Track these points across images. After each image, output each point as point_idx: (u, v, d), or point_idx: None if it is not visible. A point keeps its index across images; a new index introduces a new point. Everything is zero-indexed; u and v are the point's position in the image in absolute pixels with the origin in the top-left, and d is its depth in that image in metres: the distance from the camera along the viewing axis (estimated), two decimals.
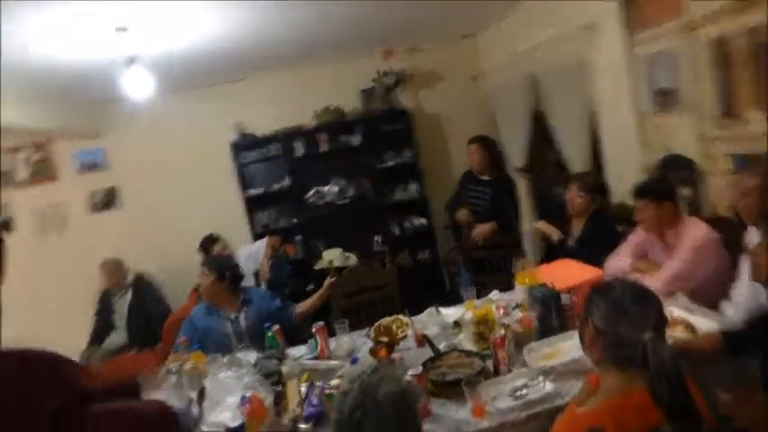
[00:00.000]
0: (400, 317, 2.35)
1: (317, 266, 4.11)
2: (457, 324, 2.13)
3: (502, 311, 1.99)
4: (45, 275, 4.34)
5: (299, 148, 4.40)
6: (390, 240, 4.54)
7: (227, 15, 2.71)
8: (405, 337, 2.14)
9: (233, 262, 2.66)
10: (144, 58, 2.75)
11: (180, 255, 3.83)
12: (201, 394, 1.67)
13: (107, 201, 4.46)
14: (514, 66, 3.97)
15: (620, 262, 2.32)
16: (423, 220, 4.64)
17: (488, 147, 3.47)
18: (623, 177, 2.98)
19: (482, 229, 3.36)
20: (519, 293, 2.14)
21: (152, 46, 2.89)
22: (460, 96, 4.76)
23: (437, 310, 2.34)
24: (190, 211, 4.49)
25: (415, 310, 2.31)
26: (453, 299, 3.19)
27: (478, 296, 2.43)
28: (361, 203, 4.53)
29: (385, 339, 1.95)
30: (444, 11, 3.58)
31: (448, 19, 3.97)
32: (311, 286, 4.23)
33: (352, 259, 4.23)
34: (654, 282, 1.99)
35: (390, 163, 4.55)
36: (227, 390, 1.69)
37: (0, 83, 2.49)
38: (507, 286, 2.57)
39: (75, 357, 3.78)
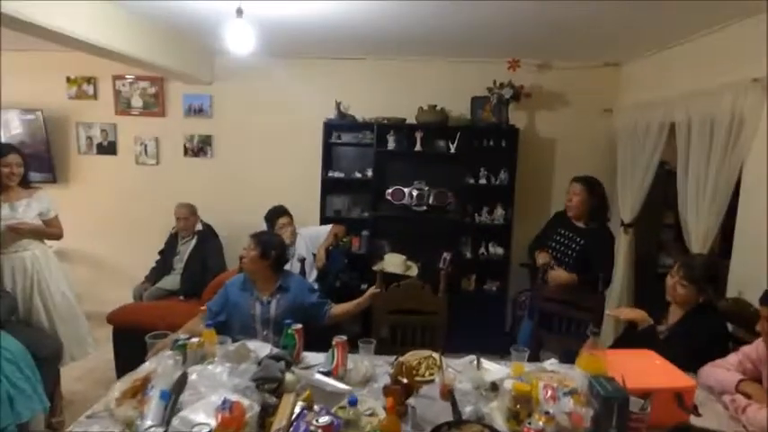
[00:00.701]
0: (434, 355, 2.05)
1: (375, 267, 3.90)
2: (495, 387, 1.79)
3: (549, 394, 1.61)
4: (136, 200, 4.61)
5: (393, 142, 4.18)
6: (459, 262, 4.19)
7: None
8: (430, 382, 1.85)
9: (281, 243, 2.51)
10: (255, 14, 2.69)
11: (250, 216, 3.81)
12: (181, 382, 1.51)
13: (201, 147, 4.59)
14: (655, 108, 3.43)
15: (724, 375, 1.83)
16: (501, 250, 4.24)
17: (594, 190, 2.97)
18: (752, 268, 2.42)
19: (560, 274, 2.91)
20: (578, 377, 1.74)
21: (267, 6, 2.82)
22: (583, 128, 4.28)
23: (478, 362, 2.00)
24: (271, 176, 4.51)
25: (459, 345, 2.01)
26: (505, 348, 2.82)
27: (534, 357, 2.06)
28: (439, 215, 4.22)
29: (404, 380, 1.67)
30: (594, 30, 3.16)
31: (595, 40, 3.52)
32: (365, 286, 4.04)
33: (414, 270, 3.97)
34: (760, 418, 1.52)
35: (483, 181, 4.20)
36: (215, 385, 1.52)
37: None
38: (569, 356, 2.17)
39: (131, 287, 3.96)
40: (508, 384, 1.65)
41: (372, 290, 2.41)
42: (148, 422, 1.41)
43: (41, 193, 2.90)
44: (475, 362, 1.97)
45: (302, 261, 3.46)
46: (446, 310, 2.61)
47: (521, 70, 4.09)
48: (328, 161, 4.30)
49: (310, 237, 3.70)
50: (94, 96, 4.56)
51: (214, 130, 4.58)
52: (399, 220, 4.28)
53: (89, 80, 4.53)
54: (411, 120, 4.20)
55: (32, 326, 2.79)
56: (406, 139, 4.22)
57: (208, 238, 4.06)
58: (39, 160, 4.38)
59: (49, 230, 2.90)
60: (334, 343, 1.91)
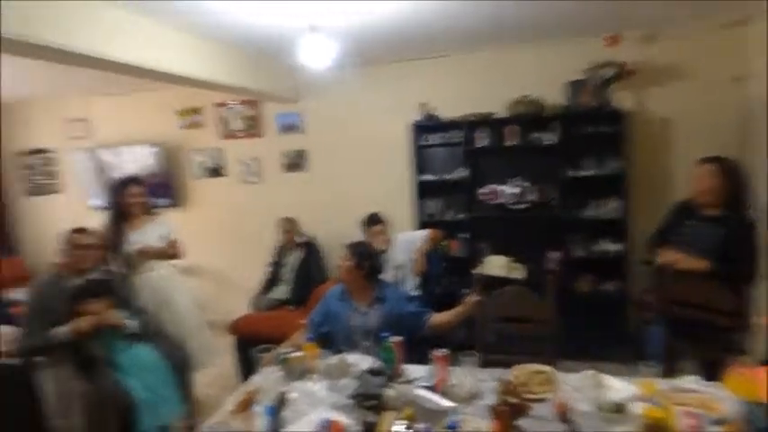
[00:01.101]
0: (546, 369, 1.88)
1: (476, 270, 3.74)
2: (619, 409, 1.58)
3: (692, 424, 1.37)
4: (245, 217, 4.93)
5: (483, 139, 4.00)
6: (569, 262, 3.88)
7: None
8: (543, 400, 1.69)
9: (374, 253, 2.49)
10: (331, 27, 2.71)
11: (348, 225, 3.87)
12: (282, 401, 1.52)
13: (297, 162, 4.77)
14: None
15: None
16: (617, 246, 3.84)
17: (729, 173, 2.53)
18: None
19: (684, 259, 2.49)
20: (728, 401, 1.47)
21: (342, 16, 2.84)
22: (707, 102, 3.72)
23: (598, 377, 1.79)
24: (364, 185, 4.55)
25: (575, 353, 1.81)
26: (631, 360, 2.49)
27: (668, 373, 1.79)
28: (542, 212, 3.95)
29: (513, 401, 1.54)
30: None
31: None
32: (467, 291, 3.90)
33: (520, 271, 3.74)
34: None
35: (589, 172, 3.84)
36: (315, 402, 1.51)
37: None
38: (709, 370, 1.87)
39: (248, 297, 4.21)
40: (637, 408, 1.44)
41: (472, 298, 2.29)
42: None
43: (162, 218, 3.19)
44: (595, 377, 1.76)
45: (399, 268, 3.42)
46: (557, 317, 2.40)
47: (621, 46, 3.68)
48: (419, 164, 4.23)
49: (407, 243, 3.65)
50: (202, 124, 4.95)
51: (307, 145, 4.74)
52: (498, 221, 4.08)
53: (195, 110, 4.93)
54: (502, 114, 3.99)
55: (165, 338, 3.05)
56: (497, 135, 4.01)
57: (310, 248, 4.19)
58: (164, 188, 4.89)
59: (170, 251, 3.17)
60: (434, 357, 1.83)
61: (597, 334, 3.60)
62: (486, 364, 1.96)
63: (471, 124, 4.00)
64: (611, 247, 3.86)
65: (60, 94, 5.10)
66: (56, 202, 5.50)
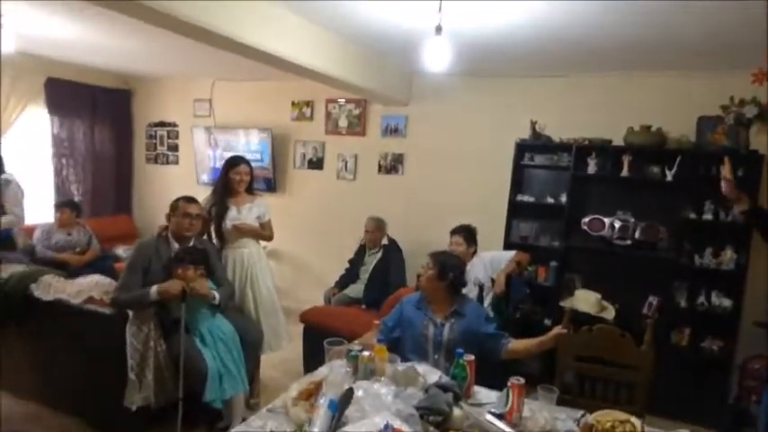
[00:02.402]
0: (633, 420, 1.69)
1: (563, 303, 3.51)
2: None
3: None
4: (334, 212, 5.06)
5: (594, 166, 3.75)
6: (669, 310, 3.51)
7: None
8: None
9: (460, 265, 2.40)
10: (454, 31, 2.69)
11: (434, 234, 3.82)
12: (348, 395, 1.49)
13: (393, 165, 4.80)
14: None
15: None
16: (728, 302, 3.42)
17: None
18: None
19: None
20: None
21: (467, 24, 2.81)
22: None
23: None
24: (457, 196, 4.47)
25: (662, 410, 1.61)
26: (725, 424, 2.21)
27: None
28: (646, 253, 3.61)
29: None
30: None
31: None
32: (548, 321, 3.68)
33: (610, 312, 3.46)
34: None
35: (708, 216, 3.46)
36: (378, 406, 1.47)
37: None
38: None
39: (322, 289, 4.31)
40: None
41: (558, 330, 2.13)
42: (315, 430, 1.43)
43: (261, 200, 3.34)
44: None
45: (480, 286, 3.30)
46: (651, 367, 2.16)
47: None
48: (518, 183, 4.07)
49: (491, 261, 3.51)
50: (311, 118, 5.16)
51: (406, 149, 4.75)
52: (595, 254, 3.80)
53: (308, 104, 5.15)
54: (617, 141, 3.71)
55: (243, 314, 3.18)
56: (610, 164, 3.74)
57: (392, 252, 4.19)
58: (267, 172, 5.18)
59: (263, 232, 3.31)
60: (509, 384, 1.71)
61: (691, 394, 3.23)
62: (560, 403, 1.81)
63: (583, 149, 3.76)
64: (721, 301, 3.44)
65: (192, 75, 5.58)
66: (171, 172, 6.03)
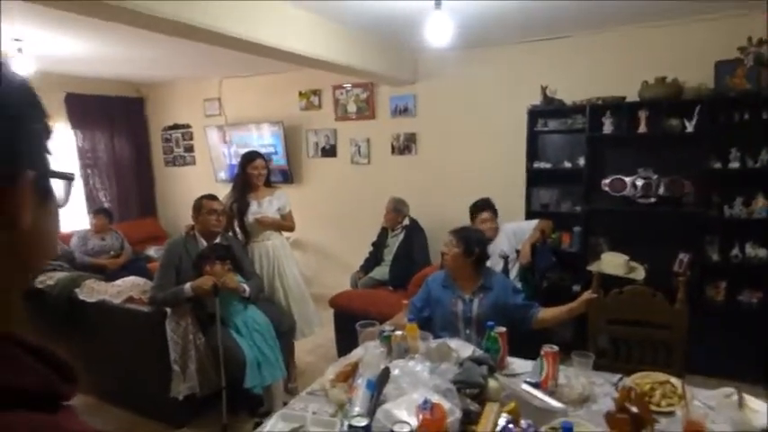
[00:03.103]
0: (672, 380, 1.69)
1: (591, 267, 3.48)
2: None
3: None
4: (353, 197, 5.09)
5: (610, 125, 3.67)
6: (701, 265, 3.45)
7: None
8: (668, 414, 1.51)
9: (483, 240, 2.40)
10: (453, 4, 2.63)
11: (454, 211, 3.81)
12: (385, 374, 1.52)
13: (406, 145, 4.78)
14: None
15: None
16: (763, 252, 3.34)
17: None
18: None
19: None
20: None
21: None
22: None
23: (740, 398, 1.55)
24: (473, 170, 4.44)
25: (701, 368, 1.60)
26: None
27: None
28: (673, 209, 3.53)
29: (633, 410, 1.39)
30: None
31: None
32: (577, 288, 3.66)
33: (640, 272, 3.41)
34: None
35: (734, 164, 3.36)
36: (416, 382, 1.50)
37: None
38: None
39: (348, 274, 4.36)
40: None
41: (588, 294, 2.13)
42: (356, 409, 1.46)
43: (280, 192, 3.38)
44: (735, 397, 1.53)
45: (505, 258, 3.29)
46: (686, 325, 2.14)
47: None
48: (533, 151, 4.00)
49: (514, 232, 3.50)
50: (319, 106, 5.15)
51: (418, 128, 4.72)
52: (619, 215, 3.74)
53: (315, 92, 5.14)
54: (632, 98, 3.62)
55: (274, 304, 3.26)
56: (626, 121, 3.64)
57: (414, 232, 4.20)
58: (281, 163, 5.21)
59: (285, 224, 3.36)
60: (542, 353, 1.72)
61: (731, 350, 3.18)
62: (596, 368, 1.81)
63: (596, 109, 3.68)
64: (756, 251, 3.37)
65: (200, 77, 5.62)
66: (189, 173, 6.13)
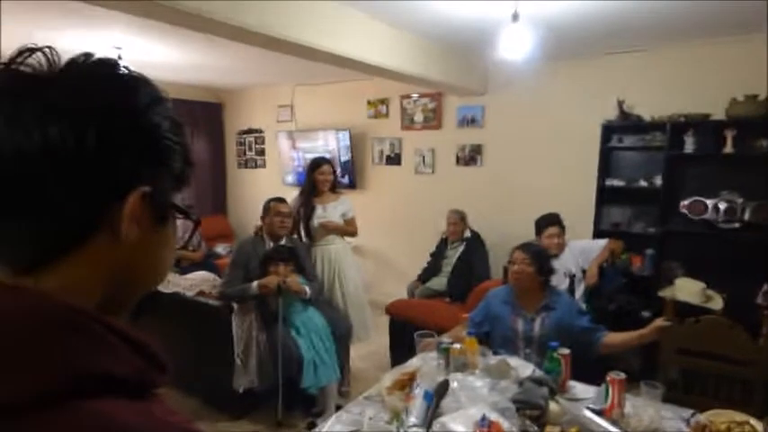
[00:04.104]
0: (752, 422, 1.57)
1: (664, 293, 3.29)
2: None
3: None
4: (414, 206, 5.11)
5: (692, 144, 3.46)
6: None
7: None
8: None
9: (551, 258, 2.34)
10: (530, 16, 2.61)
11: (517, 225, 3.74)
12: (443, 386, 1.52)
13: (472, 156, 4.75)
14: None
15: None
16: None
17: None
18: None
19: None
20: None
21: (543, 6, 2.71)
22: None
23: None
24: (540, 184, 4.32)
25: None
26: None
27: None
28: (759, 236, 3.27)
29: None
30: None
31: None
32: (647, 313, 3.47)
33: (717, 302, 3.19)
34: None
35: None
36: (474, 398, 1.49)
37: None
38: None
39: (405, 282, 4.38)
40: None
41: (661, 321, 2.02)
42: (412, 419, 1.48)
43: (344, 198, 3.47)
44: None
45: (571, 277, 3.18)
46: None
47: None
48: (606, 168, 3.85)
49: (581, 251, 3.38)
50: (386, 115, 5.24)
51: (485, 139, 4.67)
52: (697, 239, 3.51)
53: (383, 101, 5.23)
54: (718, 116, 3.40)
55: (333, 307, 3.33)
56: (710, 140, 3.43)
57: (475, 244, 4.16)
58: (348, 171, 5.34)
59: (348, 229, 3.44)
60: (608, 379, 1.66)
61: None
62: (664, 399, 1.71)
63: (678, 126, 3.48)
64: None
65: (274, 83, 5.88)
66: (259, 176, 6.41)
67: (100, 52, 0.46)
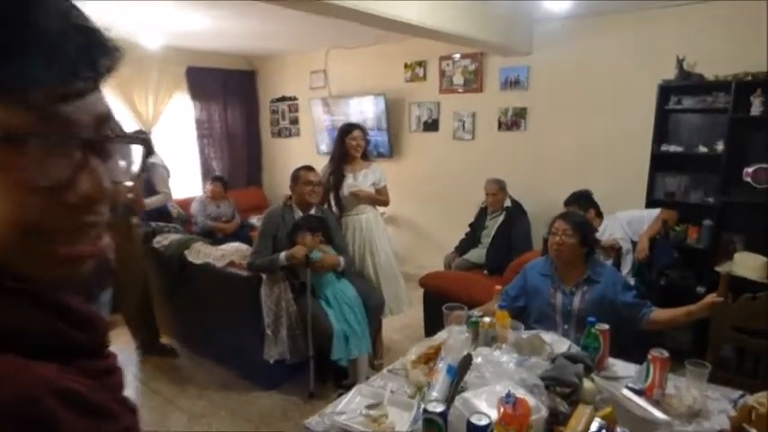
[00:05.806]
0: None
1: (720, 268, 3.05)
2: None
3: None
4: (452, 174, 4.95)
5: (760, 106, 3.11)
6: None
7: None
8: None
9: (595, 231, 2.17)
10: None
11: (561, 195, 3.52)
12: (467, 361, 1.43)
13: (514, 120, 4.50)
14: None
15: None
16: None
17: None
18: None
19: None
20: None
21: None
22: None
23: None
24: (587, 151, 4.06)
25: None
26: None
27: None
28: None
29: (752, 431, 1.18)
30: None
31: None
32: (701, 289, 3.23)
33: None
34: None
35: None
36: (500, 374, 1.39)
37: None
38: None
39: (442, 254, 4.26)
40: None
41: (713, 297, 1.84)
42: (434, 393, 1.41)
43: (375, 166, 3.36)
44: None
45: (618, 249, 2.98)
46: None
47: None
48: (662, 132, 3.54)
49: (630, 221, 3.15)
50: (424, 78, 5.02)
51: (529, 102, 4.41)
52: (761, 210, 3.20)
53: (420, 63, 5.01)
54: None
55: (364, 278, 3.27)
56: None
57: (516, 215, 3.97)
58: (382, 138, 5.20)
59: (380, 198, 3.34)
60: (650, 357, 1.52)
61: None
62: (713, 380, 1.57)
63: (744, 86, 3.14)
64: None
65: (307, 49, 5.76)
66: (293, 144, 6.37)
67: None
